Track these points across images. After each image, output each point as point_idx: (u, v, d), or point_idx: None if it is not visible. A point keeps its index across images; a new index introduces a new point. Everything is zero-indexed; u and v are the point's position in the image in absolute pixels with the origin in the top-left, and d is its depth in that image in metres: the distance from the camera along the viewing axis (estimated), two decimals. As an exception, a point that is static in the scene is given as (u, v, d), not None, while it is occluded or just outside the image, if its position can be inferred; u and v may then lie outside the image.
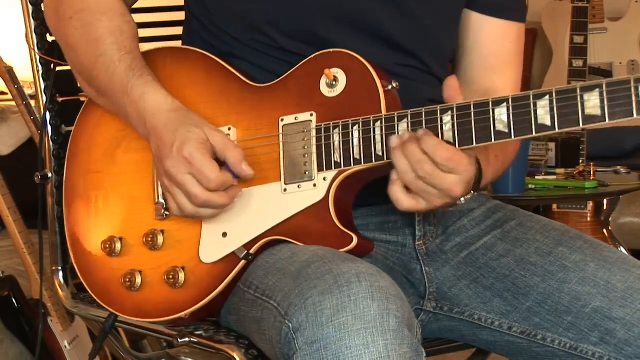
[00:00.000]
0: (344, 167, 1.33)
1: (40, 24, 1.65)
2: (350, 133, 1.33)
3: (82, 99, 1.66)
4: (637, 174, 3.18)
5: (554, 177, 2.97)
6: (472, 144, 1.26)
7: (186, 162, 1.29)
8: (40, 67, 1.65)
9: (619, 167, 3.19)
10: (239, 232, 1.37)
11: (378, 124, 1.31)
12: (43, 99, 1.66)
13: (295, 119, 1.37)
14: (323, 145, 1.34)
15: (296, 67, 1.39)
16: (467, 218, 1.50)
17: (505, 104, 1.24)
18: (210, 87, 1.43)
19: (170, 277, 1.38)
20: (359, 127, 1.32)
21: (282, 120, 1.37)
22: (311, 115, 1.36)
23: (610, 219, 3.27)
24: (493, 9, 1.54)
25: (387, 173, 1.31)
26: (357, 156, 1.32)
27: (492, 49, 1.55)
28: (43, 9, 1.55)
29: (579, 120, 1.21)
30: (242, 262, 1.36)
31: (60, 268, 1.67)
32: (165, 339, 1.47)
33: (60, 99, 1.68)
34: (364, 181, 1.37)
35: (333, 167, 1.34)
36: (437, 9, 1.49)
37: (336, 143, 1.33)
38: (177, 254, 1.40)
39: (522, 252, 1.43)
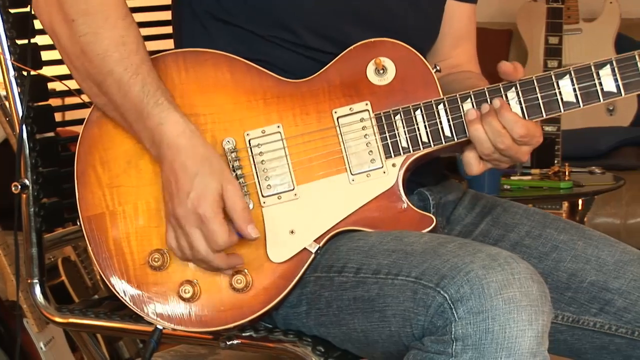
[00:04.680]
0: (413, 151, 1.38)
1: (10, 27, 1.54)
2: (414, 118, 1.37)
3: (53, 104, 1.61)
4: (611, 174, 3.21)
5: (529, 177, 2.98)
6: (542, 115, 1.35)
7: (199, 219, 1.28)
8: (13, 73, 1.55)
9: (593, 167, 3.21)
10: (309, 227, 1.36)
11: (441, 106, 1.37)
12: (16, 107, 1.56)
13: (350, 109, 1.39)
14: (386, 132, 1.38)
15: (334, 60, 1.40)
16: (460, 206, 1.55)
17: (567, 75, 1.34)
18: (240, 87, 1.39)
19: (238, 281, 1.35)
20: (421, 111, 1.37)
21: (336, 112, 1.39)
22: (366, 104, 1.38)
23: (585, 219, 3.28)
24: None
25: (449, 153, 1.38)
26: (425, 139, 1.37)
27: (462, 31, 1.63)
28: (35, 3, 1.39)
29: None
30: (312, 256, 1.36)
31: (36, 281, 1.59)
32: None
33: (31, 104, 1.56)
34: (421, 163, 1.41)
35: (402, 153, 1.38)
36: (439, 2, 1.57)
37: (400, 129, 1.38)
38: None
39: (515, 236, 1.50)
